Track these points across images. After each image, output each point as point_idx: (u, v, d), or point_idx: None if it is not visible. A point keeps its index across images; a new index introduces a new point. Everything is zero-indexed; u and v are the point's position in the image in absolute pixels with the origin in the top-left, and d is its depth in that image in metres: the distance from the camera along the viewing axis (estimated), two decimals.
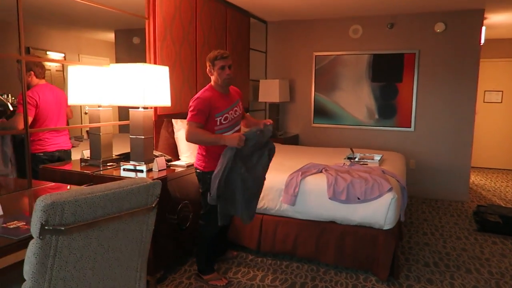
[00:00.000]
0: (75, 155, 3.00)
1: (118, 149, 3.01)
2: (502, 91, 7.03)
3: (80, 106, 3.04)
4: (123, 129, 3.17)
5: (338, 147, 4.98)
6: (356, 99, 5.43)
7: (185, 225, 2.88)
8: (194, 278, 2.90)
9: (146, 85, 2.58)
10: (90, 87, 2.70)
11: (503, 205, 4.80)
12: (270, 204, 3.16)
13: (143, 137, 2.71)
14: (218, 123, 2.67)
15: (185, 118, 2.66)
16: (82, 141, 3.12)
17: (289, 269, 3.07)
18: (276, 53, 5.80)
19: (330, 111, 5.59)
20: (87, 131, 3.03)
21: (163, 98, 2.75)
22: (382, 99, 5.31)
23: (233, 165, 2.52)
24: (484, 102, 7.08)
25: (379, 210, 2.84)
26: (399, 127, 5.26)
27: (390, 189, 2.88)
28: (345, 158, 3.83)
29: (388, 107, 5.29)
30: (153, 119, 2.95)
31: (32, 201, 2.09)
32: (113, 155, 2.93)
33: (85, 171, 2.68)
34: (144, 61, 3.28)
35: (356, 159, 3.81)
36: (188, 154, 3.28)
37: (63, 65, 2.92)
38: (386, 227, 2.86)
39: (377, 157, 3.87)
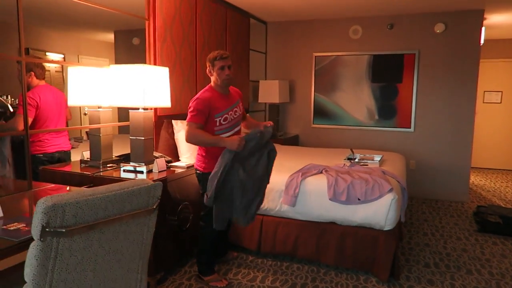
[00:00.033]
0: (75, 156, 3.00)
1: (118, 150, 3.01)
2: (502, 92, 7.04)
3: (80, 107, 3.04)
4: (123, 130, 3.16)
5: (338, 148, 4.97)
6: (356, 100, 5.43)
7: (185, 226, 2.87)
8: (194, 279, 2.90)
9: (146, 86, 2.58)
10: (90, 88, 2.70)
11: (503, 206, 4.80)
12: (270, 205, 3.16)
13: (143, 138, 2.71)
14: (217, 123, 2.66)
15: (185, 119, 2.65)
16: (81, 142, 3.12)
17: (289, 270, 3.07)
18: (276, 54, 5.79)
19: (330, 112, 5.58)
20: (86, 132, 3.03)
21: (163, 99, 2.74)
22: (382, 100, 5.31)
23: (230, 168, 2.51)
24: (483, 102, 7.09)
25: (379, 211, 2.84)
26: (399, 127, 5.26)
27: (391, 190, 2.88)
28: (345, 159, 3.83)
29: (388, 108, 5.29)
30: (153, 120, 2.94)
31: (33, 203, 2.09)
32: (113, 156, 2.93)
33: (85, 172, 2.68)
34: (144, 62, 3.27)
35: (356, 160, 3.81)
36: (188, 155, 3.28)
37: (62, 66, 2.92)
38: (386, 228, 2.86)
39: (377, 158, 3.86)
